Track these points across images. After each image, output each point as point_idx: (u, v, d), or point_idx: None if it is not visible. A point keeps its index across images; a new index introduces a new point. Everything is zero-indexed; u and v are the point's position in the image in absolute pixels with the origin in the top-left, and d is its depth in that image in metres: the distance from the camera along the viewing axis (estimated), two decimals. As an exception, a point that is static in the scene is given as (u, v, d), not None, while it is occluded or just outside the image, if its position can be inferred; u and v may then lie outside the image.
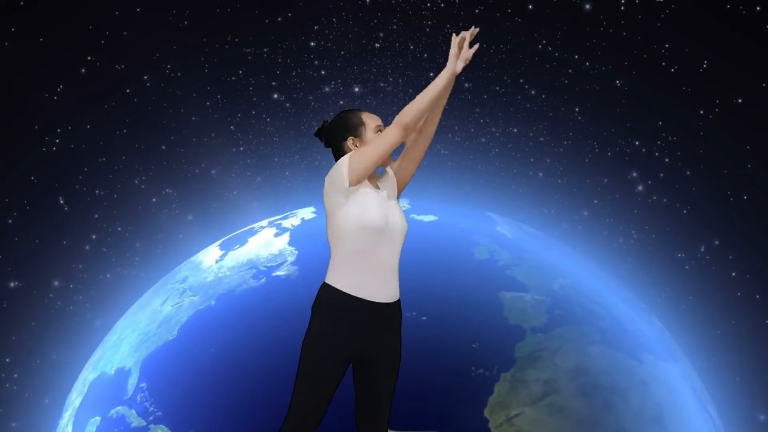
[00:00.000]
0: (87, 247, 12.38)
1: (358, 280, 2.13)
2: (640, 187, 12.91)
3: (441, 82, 2.14)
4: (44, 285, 11.12)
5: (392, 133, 2.11)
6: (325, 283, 2.19)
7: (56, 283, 11.47)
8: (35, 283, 10.96)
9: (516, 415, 10.09)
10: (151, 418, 10.62)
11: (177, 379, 11.20)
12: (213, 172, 14.12)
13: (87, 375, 14.86)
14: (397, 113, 2.13)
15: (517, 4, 11.66)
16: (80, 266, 12.11)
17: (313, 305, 2.19)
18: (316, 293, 2.22)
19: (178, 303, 14.10)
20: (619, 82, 12.01)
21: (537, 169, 15.03)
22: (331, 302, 2.14)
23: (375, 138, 2.21)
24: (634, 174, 12.90)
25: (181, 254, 16.51)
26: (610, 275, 16.56)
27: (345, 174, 2.09)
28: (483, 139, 14.88)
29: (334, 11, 12.02)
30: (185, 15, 11.30)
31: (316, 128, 2.35)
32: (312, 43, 12.28)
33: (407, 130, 2.11)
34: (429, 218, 18.34)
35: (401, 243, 2.25)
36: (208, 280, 14.69)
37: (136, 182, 12.61)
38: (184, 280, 15.82)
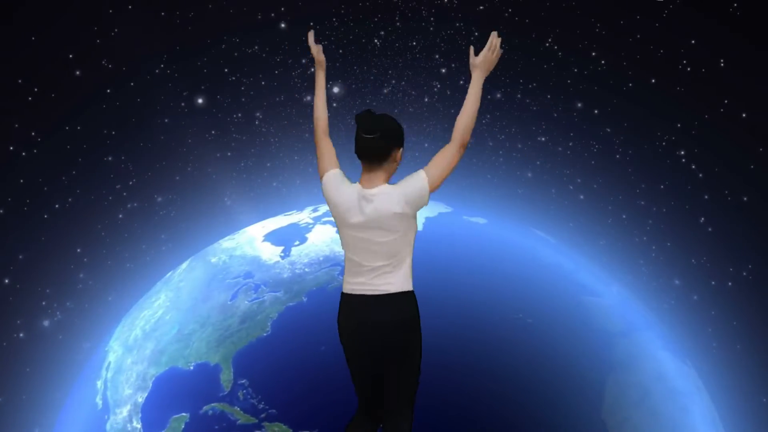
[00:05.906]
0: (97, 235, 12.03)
1: None
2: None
3: (479, 94, 2.26)
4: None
5: (458, 155, 2.26)
6: (412, 291, 2.30)
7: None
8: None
9: (625, 419, 10.46)
10: (263, 415, 10.44)
11: (284, 376, 11.05)
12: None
13: (144, 370, 14.45)
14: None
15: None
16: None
17: (416, 313, 2.30)
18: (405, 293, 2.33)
19: (256, 299, 13.88)
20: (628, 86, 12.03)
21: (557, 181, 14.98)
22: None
23: (442, 160, 2.25)
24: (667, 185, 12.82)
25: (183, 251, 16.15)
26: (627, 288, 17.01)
27: (427, 197, 2.24)
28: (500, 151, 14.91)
29: (334, 11, 11.91)
30: (184, 14, 10.98)
31: (364, 112, 2.26)
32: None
33: (465, 148, 2.29)
34: (480, 220, 18.62)
35: None
36: (285, 276, 14.50)
37: (131, 183, 12.28)
38: (249, 275, 15.54)
